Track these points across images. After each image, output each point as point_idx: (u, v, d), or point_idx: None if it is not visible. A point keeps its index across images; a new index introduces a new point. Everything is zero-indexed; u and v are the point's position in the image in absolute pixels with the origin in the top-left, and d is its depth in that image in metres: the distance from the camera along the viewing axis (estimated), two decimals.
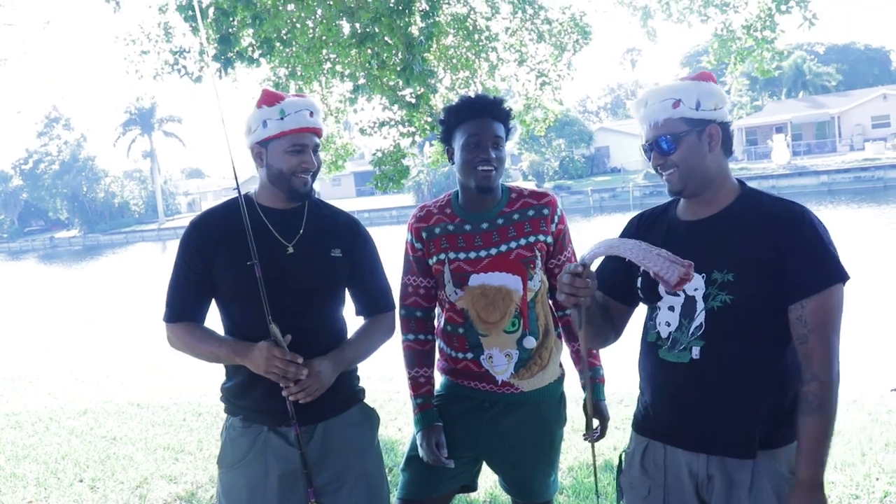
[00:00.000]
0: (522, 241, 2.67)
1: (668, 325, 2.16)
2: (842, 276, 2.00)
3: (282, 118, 2.42)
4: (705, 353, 2.08)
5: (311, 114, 2.46)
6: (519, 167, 55.69)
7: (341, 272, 2.54)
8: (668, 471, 2.19)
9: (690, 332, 2.11)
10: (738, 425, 2.07)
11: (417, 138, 7.91)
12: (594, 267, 2.11)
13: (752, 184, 2.23)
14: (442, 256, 2.71)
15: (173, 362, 10.97)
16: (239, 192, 2.43)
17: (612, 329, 2.36)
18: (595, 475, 2.37)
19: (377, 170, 8.24)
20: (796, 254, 2.00)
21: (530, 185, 3.05)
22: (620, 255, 2.02)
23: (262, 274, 2.33)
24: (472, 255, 2.68)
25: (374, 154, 8.28)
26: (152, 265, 35.59)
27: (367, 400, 2.69)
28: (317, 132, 2.49)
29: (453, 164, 2.72)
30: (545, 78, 10.26)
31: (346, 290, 2.61)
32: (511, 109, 2.73)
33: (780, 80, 59.08)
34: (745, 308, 2.04)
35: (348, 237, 2.58)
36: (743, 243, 2.06)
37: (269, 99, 2.46)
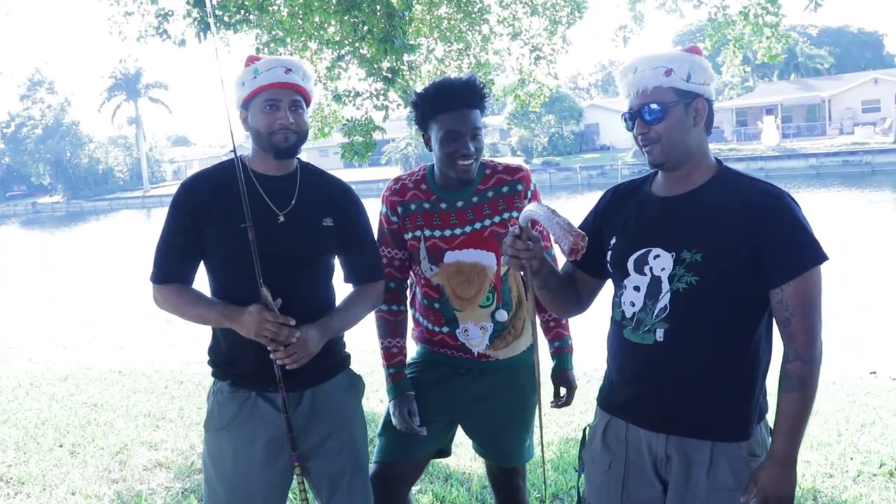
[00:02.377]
0: (496, 219, 2.70)
1: (633, 304, 2.14)
2: (820, 258, 1.99)
3: (255, 76, 2.40)
4: (669, 336, 2.07)
5: (287, 70, 2.41)
6: (508, 142, 55.58)
7: (331, 241, 2.53)
8: (630, 446, 2.19)
9: (655, 313, 2.09)
10: (699, 408, 2.07)
11: (391, 112, 7.86)
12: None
13: (740, 165, 2.21)
14: (417, 233, 2.73)
15: (156, 329, 10.97)
16: (235, 152, 2.40)
17: (576, 299, 2.35)
18: (542, 446, 2.32)
19: (347, 139, 8.21)
20: (774, 238, 1.98)
21: (505, 160, 3.05)
22: (535, 219, 2.03)
23: (254, 238, 2.32)
24: (448, 232, 2.71)
25: (344, 123, 8.23)
26: (136, 233, 35.42)
27: None
28: (293, 88, 2.42)
29: (430, 150, 2.70)
30: (539, 52, 10.17)
31: (336, 257, 2.60)
32: (484, 87, 2.69)
33: None
34: (711, 291, 2.02)
35: (341, 205, 2.56)
36: (715, 224, 2.03)
37: (248, 62, 2.46)
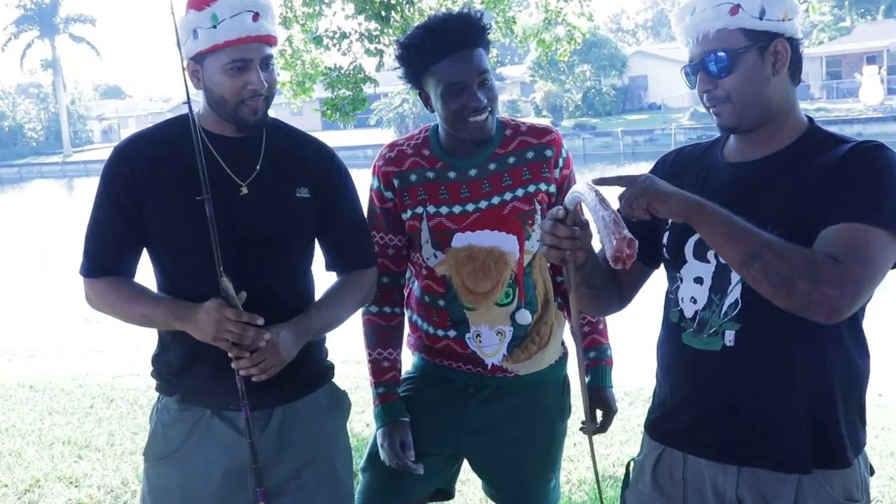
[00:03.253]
0: (519, 192, 2.69)
1: (694, 301, 2.12)
2: (888, 224, 1.87)
3: (214, 26, 2.32)
4: (741, 339, 2.04)
5: (256, 16, 2.34)
6: (531, 99, 55.47)
7: (309, 218, 2.53)
8: (689, 485, 2.18)
9: (723, 311, 2.07)
10: (780, 432, 2.05)
11: (385, 60, 7.84)
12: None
13: (831, 129, 2.14)
14: (419, 210, 2.71)
15: (77, 332, 10.99)
16: (189, 104, 2.38)
17: (616, 294, 2.33)
18: (598, 482, 2.35)
19: (329, 92, 8.18)
20: (845, 177, 1.92)
21: (529, 119, 3.03)
22: (583, 203, 1.95)
23: (212, 214, 2.30)
24: (457, 209, 2.69)
25: (326, 73, 8.20)
26: (54, 209, 35.45)
27: None
28: (265, 40, 2.39)
29: (431, 111, 2.68)
30: None
31: (316, 239, 2.61)
32: (482, 17, 2.64)
33: None
34: None
35: (320, 172, 2.56)
36: (799, 194, 1.99)
37: (197, 0, 2.36)
